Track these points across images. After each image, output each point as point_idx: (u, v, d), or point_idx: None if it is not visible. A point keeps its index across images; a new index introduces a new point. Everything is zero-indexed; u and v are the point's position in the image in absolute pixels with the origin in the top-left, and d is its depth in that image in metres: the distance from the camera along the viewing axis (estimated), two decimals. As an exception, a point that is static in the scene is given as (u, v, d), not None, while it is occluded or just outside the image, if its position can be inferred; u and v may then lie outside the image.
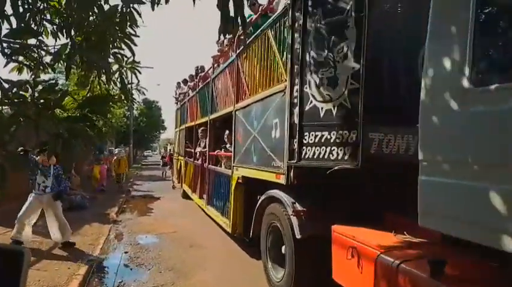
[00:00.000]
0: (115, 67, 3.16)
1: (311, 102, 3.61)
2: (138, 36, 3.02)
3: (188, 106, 11.66)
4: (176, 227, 7.66)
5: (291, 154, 3.81)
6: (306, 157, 3.63)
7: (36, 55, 2.60)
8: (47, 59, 2.82)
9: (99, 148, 13.15)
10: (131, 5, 2.82)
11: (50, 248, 5.71)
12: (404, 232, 3.03)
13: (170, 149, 24.55)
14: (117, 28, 2.80)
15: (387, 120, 3.26)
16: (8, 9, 2.31)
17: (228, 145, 6.89)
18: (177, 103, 14.95)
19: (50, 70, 2.95)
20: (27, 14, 2.72)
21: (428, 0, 2.55)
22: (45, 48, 2.48)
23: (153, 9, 2.85)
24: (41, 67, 2.64)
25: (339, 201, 3.76)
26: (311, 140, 3.59)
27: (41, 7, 2.88)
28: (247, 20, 5.33)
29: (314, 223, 3.66)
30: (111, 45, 2.67)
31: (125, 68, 3.20)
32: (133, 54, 2.81)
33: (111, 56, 2.75)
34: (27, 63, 2.60)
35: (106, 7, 2.78)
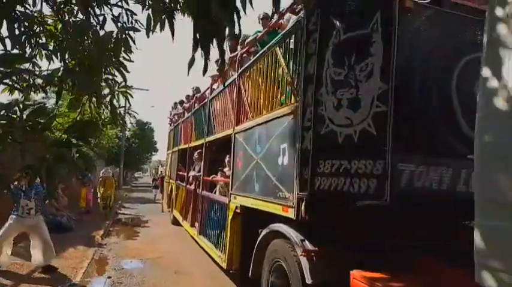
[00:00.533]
0: (106, 91, 3.20)
1: (327, 126, 3.14)
2: (133, 62, 3.07)
3: (182, 128, 11.14)
4: (162, 253, 7.52)
5: (302, 184, 3.27)
6: (320, 188, 3.11)
7: (28, 77, 2.64)
8: (39, 80, 2.85)
9: (80, 172, 12.75)
10: (126, 32, 2.89)
11: (31, 272, 5.56)
12: (439, 283, 2.63)
13: (161, 171, 24.13)
14: (111, 54, 2.85)
15: (419, 150, 2.93)
16: (4, 31, 2.35)
17: (226, 169, 6.43)
18: (170, 124, 14.35)
19: (42, 91, 2.98)
20: (23, 37, 2.77)
21: (461, 19, 2.67)
22: (37, 72, 2.51)
23: (148, 37, 2.91)
24: (33, 89, 2.67)
25: (359, 241, 3.14)
26: (327, 169, 3.10)
27: (37, 30, 2.93)
28: (253, 37, 5.43)
29: (328, 266, 3.06)
30: (103, 71, 2.71)
31: (116, 92, 3.24)
32: (125, 80, 2.85)
33: (103, 82, 2.79)
34: (18, 85, 2.61)
35: (101, 33, 2.84)
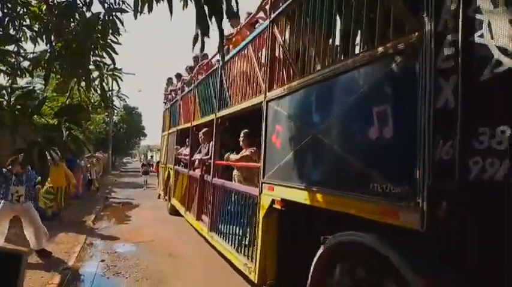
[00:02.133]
0: (95, 74, 3.16)
1: (496, 63, 1.77)
2: (120, 44, 3.03)
3: (182, 104, 9.81)
4: (154, 236, 7.56)
5: (439, 168, 2.00)
6: (479, 176, 1.82)
7: (14, 61, 2.59)
8: (25, 64, 2.80)
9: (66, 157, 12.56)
10: (113, 13, 2.84)
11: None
12: None
13: (151, 157, 23.90)
14: (99, 36, 2.81)
15: None
16: (-13, 14, 2.29)
17: (246, 151, 5.41)
18: (165, 103, 13.00)
19: (28, 75, 2.93)
20: (6, 19, 2.70)
21: None
22: (23, 54, 2.47)
23: (135, 18, 2.87)
24: (19, 73, 2.62)
25: None
26: (489, 143, 1.80)
27: (21, 12, 2.86)
28: None
29: None
30: (91, 53, 2.67)
31: (105, 75, 3.20)
32: (113, 62, 2.82)
33: (91, 63, 2.75)
34: (4, 68, 2.57)
35: (88, 14, 2.79)
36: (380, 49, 2.48)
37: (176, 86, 11.21)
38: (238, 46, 5.61)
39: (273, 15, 4.28)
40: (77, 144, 1.98)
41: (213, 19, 1.31)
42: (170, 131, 11.51)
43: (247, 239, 4.64)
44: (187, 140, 8.99)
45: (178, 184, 9.26)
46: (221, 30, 1.39)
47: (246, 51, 5.26)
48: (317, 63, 3.39)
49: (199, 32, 1.31)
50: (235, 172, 5.73)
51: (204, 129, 7.12)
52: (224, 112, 6.03)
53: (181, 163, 9.55)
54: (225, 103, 6.03)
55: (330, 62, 3.20)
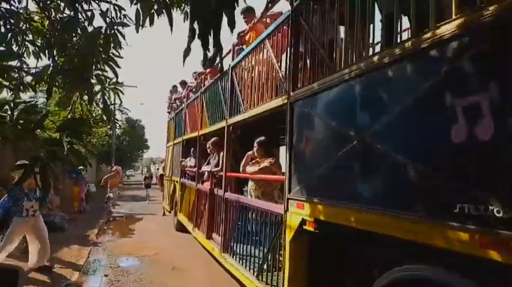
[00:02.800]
0: (97, 88, 3.17)
1: None
2: (122, 58, 3.05)
3: (188, 113, 9.17)
4: (158, 249, 7.50)
5: None
6: None
7: (17, 75, 2.60)
8: (28, 79, 2.81)
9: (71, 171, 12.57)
10: (115, 27, 2.86)
11: (27, 271, 5.51)
12: None
13: (158, 169, 23.51)
14: (101, 50, 2.82)
15: None
16: (-10, 30, 2.31)
17: (265, 162, 4.80)
18: (169, 112, 12.37)
19: (31, 90, 2.93)
20: (9, 35, 2.72)
21: None
22: (26, 69, 2.48)
23: (137, 32, 2.88)
24: (22, 88, 2.63)
25: None
26: None
27: (23, 27, 2.88)
28: None
29: None
30: (94, 67, 2.68)
31: (107, 89, 3.21)
32: (116, 76, 2.82)
33: (94, 78, 2.76)
34: (7, 84, 2.58)
35: (90, 29, 2.81)
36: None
37: (181, 93, 10.69)
38: (252, 43, 5.00)
39: (295, 3, 3.70)
40: (79, 158, 1.97)
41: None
42: (175, 141, 10.82)
43: (269, 264, 3.99)
44: (192, 150, 8.63)
45: (185, 198, 8.58)
46: (218, 43, 1.38)
47: (262, 48, 4.64)
48: (360, 51, 2.84)
49: (201, 44, 1.31)
50: (250, 186, 4.98)
51: (213, 139, 6.59)
52: (237, 119, 5.35)
53: (188, 176, 8.93)
54: (238, 109, 5.39)
55: (377, 50, 2.66)
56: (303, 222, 3.23)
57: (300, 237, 3.34)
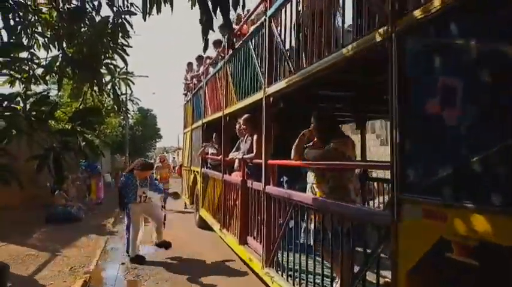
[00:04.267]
0: (108, 78, 3.17)
1: None
2: (131, 47, 3.04)
3: (208, 91, 7.88)
4: (173, 237, 7.59)
5: None
6: None
7: (27, 68, 2.61)
8: (39, 71, 2.83)
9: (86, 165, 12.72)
10: (123, 16, 2.84)
11: (45, 262, 5.66)
12: None
13: (174, 158, 23.10)
14: (109, 39, 2.82)
15: None
16: (-1, 22, 2.31)
17: (335, 143, 3.40)
18: (186, 94, 11.07)
19: (42, 82, 2.95)
20: (19, 27, 2.73)
21: None
22: (36, 61, 2.49)
23: (144, 20, 2.86)
24: (33, 79, 2.65)
25: None
26: None
27: (32, 20, 2.89)
28: None
29: None
30: (103, 56, 2.68)
31: (117, 79, 3.21)
32: (126, 64, 2.82)
33: (103, 67, 2.76)
34: (19, 76, 2.59)
35: (97, 18, 2.80)
36: None
37: (198, 70, 9.41)
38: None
39: None
40: (92, 148, 1.98)
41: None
42: (194, 126, 9.63)
43: None
44: (214, 135, 7.56)
45: (209, 191, 7.45)
46: (227, 21, 1.36)
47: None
48: None
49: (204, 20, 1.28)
50: (311, 179, 3.54)
51: (246, 116, 5.30)
52: (279, 85, 3.95)
53: (210, 165, 7.71)
54: (280, 72, 4.10)
55: None
56: (444, 244, 1.88)
57: (428, 269, 1.99)
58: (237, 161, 5.45)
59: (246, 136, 5.44)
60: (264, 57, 4.43)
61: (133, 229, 5.98)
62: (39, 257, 5.80)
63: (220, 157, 6.40)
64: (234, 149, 5.85)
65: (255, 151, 4.90)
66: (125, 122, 28.32)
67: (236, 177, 5.52)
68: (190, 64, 10.84)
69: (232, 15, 5.75)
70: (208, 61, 8.38)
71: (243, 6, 1.33)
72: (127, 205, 6.06)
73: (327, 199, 3.21)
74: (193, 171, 9.28)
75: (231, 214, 5.82)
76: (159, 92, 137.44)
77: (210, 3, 1.22)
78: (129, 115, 24.36)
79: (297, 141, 3.66)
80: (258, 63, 4.69)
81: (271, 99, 4.31)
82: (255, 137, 4.99)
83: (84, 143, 1.84)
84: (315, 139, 3.63)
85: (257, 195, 4.59)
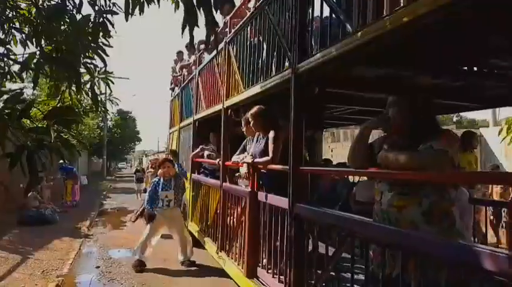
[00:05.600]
0: (87, 77, 3.12)
1: None
2: (112, 47, 3.00)
3: (202, 82, 6.56)
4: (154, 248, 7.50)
5: None
6: None
7: (3, 64, 2.55)
8: (15, 68, 2.76)
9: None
10: (104, 16, 2.81)
11: (16, 264, 5.49)
12: None
13: (149, 162, 22.18)
14: (90, 38, 2.78)
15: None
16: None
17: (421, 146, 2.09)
18: (173, 89, 9.89)
19: (18, 79, 2.89)
20: (-5, 22, 2.67)
21: None
22: (12, 57, 2.43)
23: (126, 20, 2.83)
24: (8, 76, 2.59)
25: None
26: None
27: (10, 15, 2.83)
28: None
29: None
30: (82, 55, 2.64)
31: (97, 79, 3.16)
32: (105, 64, 2.79)
33: (82, 66, 2.72)
34: (-7, 72, 2.53)
35: (78, 17, 2.76)
36: None
37: (188, 60, 8.34)
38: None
39: None
40: (68, 148, 1.94)
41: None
42: (183, 124, 8.26)
43: None
44: (211, 134, 6.32)
45: (201, 201, 6.22)
46: (210, 20, 1.36)
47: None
48: None
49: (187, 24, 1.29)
50: (385, 195, 2.24)
51: (257, 109, 4.05)
52: (318, 59, 2.69)
53: (205, 170, 6.41)
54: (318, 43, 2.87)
55: None
56: None
57: None
58: (244, 166, 4.06)
59: (257, 135, 4.23)
60: (293, 19, 3.09)
61: (149, 232, 5.63)
62: (9, 260, 5.62)
63: (219, 160, 5.16)
64: (238, 151, 4.70)
65: (271, 153, 3.73)
66: (103, 124, 27.90)
67: (241, 187, 4.44)
68: (180, 53, 9.73)
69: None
70: (202, 46, 6.94)
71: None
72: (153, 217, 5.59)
73: (418, 231, 2.01)
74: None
75: (233, 234, 4.44)
76: (139, 94, 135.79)
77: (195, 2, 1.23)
78: (108, 116, 23.99)
79: (358, 136, 2.45)
80: (285, 28, 3.29)
81: (303, 77, 2.97)
82: (271, 134, 3.85)
83: (59, 141, 1.80)
84: (393, 135, 2.37)
85: (277, 214, 3.26)
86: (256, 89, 3.95)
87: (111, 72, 3.29)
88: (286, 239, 3.06)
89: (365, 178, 4.86)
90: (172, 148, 6.36)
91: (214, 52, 5.60)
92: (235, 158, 4.57)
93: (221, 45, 5.03)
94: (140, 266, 5.48)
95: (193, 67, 7.69)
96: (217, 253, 4.90)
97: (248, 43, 4.36)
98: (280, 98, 3.36)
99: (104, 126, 28.76)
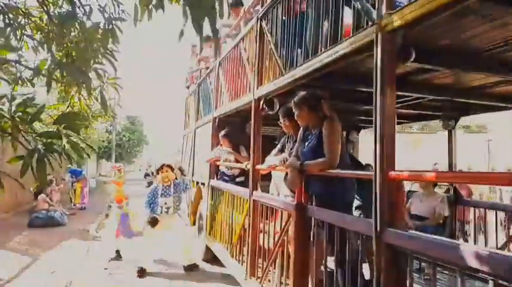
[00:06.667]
0: (96, 83, 3.18)
1: None
2: (120, 52, 3.06)
3: (223, 73, 5.62)
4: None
5: None
6: None
7: (15, 70, 2.62)
8: (27, 73, 2.83)
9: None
10: (113, 22, 2.87)
11: (27, 265, 5.57)
12: None
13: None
14: (99, 44, 2.84)
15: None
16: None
17: None
18: (189, 87, 9.01)
19: (30, 84, 2.96)
20: (8, 29, 2.74)
21: None
22: (24, 63, 2.50)
23: (135, 26, 2.90)
24: (20, 82, 2.65)
25: None
26: None
27: (22, 22, 2.90)
28: None
29: None
30: (92, 61, 2.70)
31: (106, 84, 3.22)
32: (115, 69, 2.85)
33: (92, 72, 2.78)
34: (6, 78, 2.60)
35: (88, 23, 2.83)
36: None
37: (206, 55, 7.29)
38: None
39: None
40: (77, 150, 1.99)
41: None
42: (199, 123, 7.22)
43: None
44: (223, 138, 5.43)
45: (222, 212, 5.17)
46: (214, 30, 1.40)
47: None
48: None
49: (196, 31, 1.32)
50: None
51: (306, 93, 3.14)
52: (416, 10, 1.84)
53: (223, 175, 5.59)
54: None
55: None
56: None
57: None
58: (288, 172, 3.03)
59: (302, 130, 3.25)
60: None
61: (146, 238, 5.61)
62: (19, 261, 5.71)
63: (247, 164, 4.27)
64: (275, 151, 3.92)
65: (329, 152, 2.77)
66: (112, 128, 28.20)
67: (280, 199, 3.52)
68: (195, 47, 8.67)
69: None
70: (225, 31, 6.04)
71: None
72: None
73: None
74: (197, 183, 6.88)
75: (268, 258, 3.44)
76: (147, 98, 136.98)
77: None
78: (115, 120, 24.21)
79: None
80: None
81: (395, 39, 2.06)
82: (327, 127, 2.86)
83: (68, 144, 1.86)
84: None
85: (343, 237, 2.41)
86: (307, 68, 2.96)
87: (119, 78, 3.35)
88: (361, 275, 2.21)
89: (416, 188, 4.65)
90: (179, 165, 6.22)
91: (240, 36, 4.83)
92: (271, 160, 3.71)
93: (252, 22, 4.32)
94: (141, 272, 5.51)
95: (211, 59, 6.92)
96: (246, 279, 3.91)
97: (292, 13, 3.40)
98: (327, 82, 3.00)
99: (113, 130, 29.06)
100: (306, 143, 3.14)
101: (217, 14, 1.33)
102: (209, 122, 6.21)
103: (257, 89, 4.07)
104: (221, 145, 5.49)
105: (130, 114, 35.60)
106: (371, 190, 2.05)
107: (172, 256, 6.23)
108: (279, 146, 3.97)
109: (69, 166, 11.64)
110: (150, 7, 2.85)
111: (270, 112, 3.95)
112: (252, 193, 3.96)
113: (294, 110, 3.17)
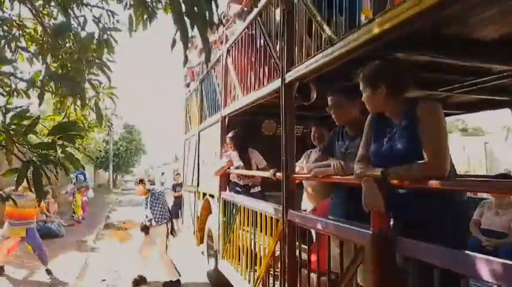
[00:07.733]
0: (92, 93, 3.17)
1: None
2: (115, 62, 3.06)
3: (232, 62, 4.75)
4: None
5: None
6: None
7: (9, 82, 2.62)
8: (22, 85, 2.82)
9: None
10: (108, 32, 2.88)
11: (24, 278, 5.52)
12: None
13: (163, 173, 21.84)
14: (94, 55, 2.84)
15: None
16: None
17: None
18: (188, 85, 8.06)
19: (24, 96, 2.95)
20: (2, 41, 2.74)
21: None
22: (19, 75, 2.50)
23: (130, 36, 2.91)
24: (15, 93, 2.65)
25: None
26: None
27: (16, 34, 2.90)
28: None
29: None
30: (87, 72, 2.70)
31: (101, 94, 3.21)
32: (109, 80, 2.85)
33: (86, 82, 2.77)
34: (0, 90, 2.59)
35: (83, 34, 2.83)
36: None
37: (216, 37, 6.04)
38: None
39: None
40: (73, 162, 1.98)
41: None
42: (203, 126, 6.38)
43: None
44: (230, 140, 4.78)
45: (239, 233, 4.19)
46: (204, 39, 1.40)
47: None
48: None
49: (179, 39, 1.32)
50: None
51: (373, 66, 2.07)
52: None
53: (234, 186, 4.79)
54: None
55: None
56: None
57: None
58: (363, 185, 1.97)
59: (374, 120, 2.20)
60: None
61: (142, 247, 5.72)
62: (16, 274, 5.65)
63: (274, 171, 3.28)
64: (317, 155, 3.07)
65: (435, 150, 1.77)
66: (109, 137, 28.14)
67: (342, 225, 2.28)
68: (195, 37, 7.00)
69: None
70: (233, 11, 5.21)
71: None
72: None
73: None
74: (202, 195, 6.10)
75: None
76: (144, 108, 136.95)
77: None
78: (112, 130, 24.15)
79: None
80: None
81: None
82: (424, 111, 1.89)
83: (63, 155, 1.85)
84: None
85: None
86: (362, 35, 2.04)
87: (115, 87, 3.34)
88: None
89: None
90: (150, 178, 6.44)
91: (256, 10, 3.83)
92: (302, 164, 2.99)
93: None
94: (139, 282, 5.49)
95: (218, 46, 5.89)
96: None
97: None
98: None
99: (110, 140, 29.00)
100: (385, 140, 2.05)
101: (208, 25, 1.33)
102: (217, 123, 5.30)
103: (287, 72, 3.02)
104: (228, 148, 4.78)
105: (127, 123, 35.57)
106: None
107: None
108: (323, 147, 2.98)
109: (71, 175, 11.60)
110: (145, 17, 2.87)
111: (305, 103, 3.05)
112: (286, 211, 2.93)
113: (362, 88, 2.13)
